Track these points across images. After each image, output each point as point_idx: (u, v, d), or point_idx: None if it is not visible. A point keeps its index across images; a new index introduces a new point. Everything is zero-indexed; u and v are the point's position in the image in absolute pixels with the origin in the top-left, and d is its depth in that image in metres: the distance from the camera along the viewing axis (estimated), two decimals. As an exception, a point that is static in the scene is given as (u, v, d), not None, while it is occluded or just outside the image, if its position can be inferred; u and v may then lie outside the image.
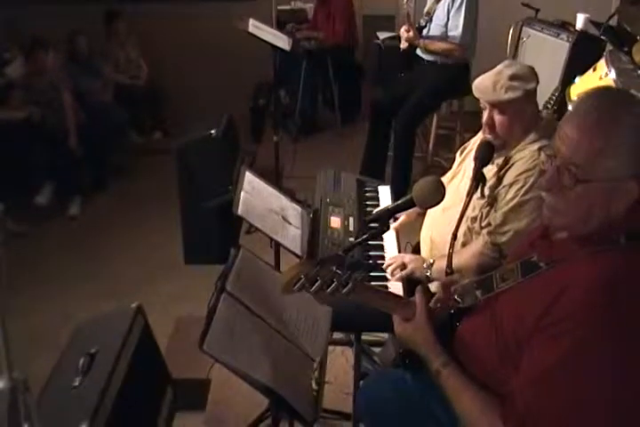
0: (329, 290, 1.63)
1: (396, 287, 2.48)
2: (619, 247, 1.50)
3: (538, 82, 2.46)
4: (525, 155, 2.42)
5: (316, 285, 1.61)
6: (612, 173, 1.48)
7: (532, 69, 2.47)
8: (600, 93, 1.61)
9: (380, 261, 2.62)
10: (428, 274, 2.54)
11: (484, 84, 2.47)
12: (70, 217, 5.10)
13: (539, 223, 1.80)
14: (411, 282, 2.54)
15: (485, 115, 2.50)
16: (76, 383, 1.79)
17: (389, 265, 2.57)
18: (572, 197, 1.53)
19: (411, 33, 4.63)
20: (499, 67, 2.49)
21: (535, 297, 1.53)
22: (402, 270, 2.55)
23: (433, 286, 2.62)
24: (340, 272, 1.64)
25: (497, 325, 1.65)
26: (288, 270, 1.65)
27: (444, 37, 4.64)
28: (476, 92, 2.51)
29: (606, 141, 1.48)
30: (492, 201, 2.47)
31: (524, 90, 2.41)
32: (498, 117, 2.47)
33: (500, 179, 2.47)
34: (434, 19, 4.69)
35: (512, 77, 2.42)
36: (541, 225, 1.73)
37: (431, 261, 2.56)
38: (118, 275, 4.23)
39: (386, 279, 2.52)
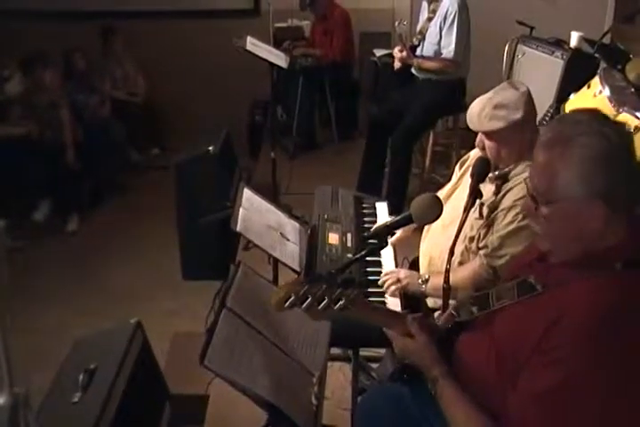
0: (320, 307, 1.64)
1: (393, 303, 2.50)
2: (615, 274, 1.51)
3: (529, 110, 2.40)
4: (524, 179, 2.42)
5: (307, 302, 1.63)
6: (570, 191, 1.51)
7: (521, 97, 2.40)
8: (563, 116, 1.66)
9: (375, 277, 2.63)
10: (423, 289, 2.56)
11: (472, 111, 2.46)
12: (68, 233, 5.11)
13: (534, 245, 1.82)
14: (408, 298, 2.55)
15: (478, 137, 2.51)
16: (76, 399, 1.80)
17: (385, 281, 2.58)
18: (543, 220, 1.58)
19: (404, 53, 4.68)
20: (491, 92, 2.47)
21: (533, 320, 1.55)
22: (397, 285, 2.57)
23: (430, 301, 2.65)
24: (331, 289, 1.65)
25: (496, 342, 1.67)
26: (279, 289, 1.66)
27: (437, 55, 4.68)
28: (467, 118, 2.51)
29: (558, 163, 1.52)
30: (490, 223, 2.48)
31: (506, 120, 2.37)
32: (487, 142, 2.47)
33: (498, 200, 2.47)
34: (426, 37, 4.74)
35: (497, 106, 2.39)
36: (538, 247, 1.75)
37: (426, 276, 2.57)
38: (116, 291, 4.22)
39: (384, 295, 2.53)
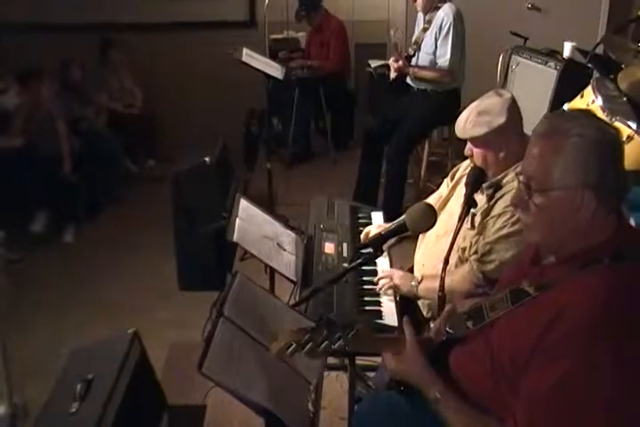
0: (320, 349, 1.67)
1: (389, 307, 2.52)
2: (605, 268, 1.54)
3: (511, 116, 2.44)
4: (515, 187, 2.44)
5: (308, 347, 1.66)
6: (563, 181, 1.56)
7: (504, 103, 2.44)
8: (557, 113, 1.72)
9: (371, 286, 2.65)
10: (415, 291, 2.60)
11: (459, 119, 2.52)
12: (65, 244, 5.11)
13: (526, 251, 1.84)
14: (404, 303, 2.58)
15: (467, 145, 2.56)
16: (74, 409, 1.80)
17: (380, 279, 2.64)
18: (534, 209, 1.62)
19: (400, 62, 4.71)
20: (478, 100, 2.52)
21: (530, 322, 1.56)
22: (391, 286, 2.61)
23: (425, 310, 2.67)
24: (332, 334, 1.68)
25: (492, 352, 1.68)
26: (280, 339, 1.69)
27: (432, 65, 4.72)
28: (455, 127, 2.56)
29: (555, 151, 1.57)
30: (481, 230, 2.51)
31: (489, 126, 2.42)
32: (474, 150, 2.53)
33: (490, 208, 2.50)
34: (422, 47, 4.78)
35: (480, 113, 2.45)
36: (530, 252, 1.77)
37: (419, 278, 2.61)
38: (112, 302, 4.22)
39: (380, 304, 2.55)
